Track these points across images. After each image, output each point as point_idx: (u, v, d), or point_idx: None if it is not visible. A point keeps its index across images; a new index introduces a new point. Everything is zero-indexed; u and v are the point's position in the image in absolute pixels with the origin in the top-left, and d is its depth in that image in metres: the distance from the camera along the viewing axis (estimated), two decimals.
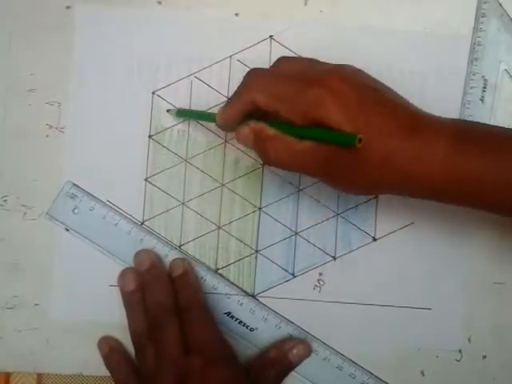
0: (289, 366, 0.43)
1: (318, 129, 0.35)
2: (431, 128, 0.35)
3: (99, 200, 0.44)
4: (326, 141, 0.35)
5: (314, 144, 0.35)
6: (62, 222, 0.44)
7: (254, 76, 0.37)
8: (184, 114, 0.43)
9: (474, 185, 0.34)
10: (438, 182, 0.35)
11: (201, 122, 0.44)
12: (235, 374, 0.40)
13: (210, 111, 0.43)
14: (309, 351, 0.43)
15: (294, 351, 0.42)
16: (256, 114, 0.37)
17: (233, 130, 0.39)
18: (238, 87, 0.38)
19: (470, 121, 0.38)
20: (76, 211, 0.44)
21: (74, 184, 0.44)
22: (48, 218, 0.44)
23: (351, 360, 0.44)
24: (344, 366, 0.43)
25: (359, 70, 0.37)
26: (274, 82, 0.36)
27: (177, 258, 0.43)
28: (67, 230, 0.44)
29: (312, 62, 0.39)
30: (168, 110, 0.44)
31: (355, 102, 0.34)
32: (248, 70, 0.38)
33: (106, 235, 0.43)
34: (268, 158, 0.37)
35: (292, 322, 0.44)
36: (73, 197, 0.44)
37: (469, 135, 0.35)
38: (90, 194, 0.44)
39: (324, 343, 0.44)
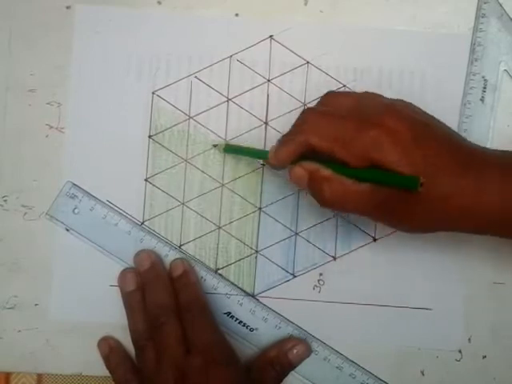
0: (289, 366, 0.43)
1: (377, 171, 0.34)
2: (483, 161, 0.35)
3: (99, 200, 0.44)
4: (386, 183, 0.34)
5: (371, 185, 0.35)
6: (62, 222, 0.44)
7: (308, 117, 0.37)
8: (231, 150, 0.43)
9: None
10: (499, 214, 0.34)
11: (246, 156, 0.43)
12: (235, 373, 0.40)
13: (259, 148, 0.42)
14: (309, 351, 0.43)
15: (294, 351, 0.43)
16: (309, 153, 0.37)
17: (283, 168, 0.38)
18: (293, 128, 0.38)
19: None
20: (76, 211, 0.44)
21: (74, 184, 0.44)
22: (48, 218, 0.44)
23: (351, 360, 0.44)
24: (344, 366, 0.43)
25: (410, 104, 0.37)
26: (329, 123, 0.36)
27: (177, 258, 0.43)
28: (67, 230, 0.44)
29: (362, 97, 0.38)
30: (215, 145, 0.43)
31: (411, 141, 0.34)
32: (304, 109, 0.38)
33: (106, 235, 0.43)
34: (323, 198, 0.36)
35: (292, 322, 0.44)
36: (73, 197, 0.44)
37: None
38: (90, 194, 0.44)
39: (324, 343, 0.44)
